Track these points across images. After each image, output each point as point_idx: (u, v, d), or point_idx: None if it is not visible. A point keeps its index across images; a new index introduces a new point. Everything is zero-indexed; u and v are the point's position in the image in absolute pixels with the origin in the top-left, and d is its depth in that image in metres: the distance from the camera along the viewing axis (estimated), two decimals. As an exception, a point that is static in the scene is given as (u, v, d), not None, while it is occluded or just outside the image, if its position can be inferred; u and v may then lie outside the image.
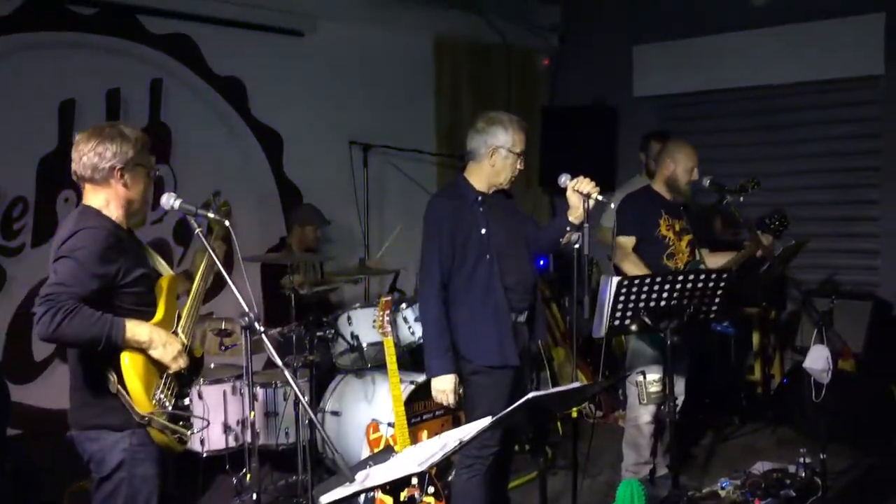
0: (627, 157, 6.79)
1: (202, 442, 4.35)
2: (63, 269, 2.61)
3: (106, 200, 2.79)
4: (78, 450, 2.83)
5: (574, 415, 3.54)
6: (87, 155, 2.75)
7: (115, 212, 2.80)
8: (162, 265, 3.01)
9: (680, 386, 4.37)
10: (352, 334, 4.47)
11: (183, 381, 2.84)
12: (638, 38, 6.98)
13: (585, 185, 3.39)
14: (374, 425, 4.26)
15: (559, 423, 5.39)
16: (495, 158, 3.64)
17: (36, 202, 4.66)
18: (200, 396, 4.34)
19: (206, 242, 2.71)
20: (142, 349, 2.69)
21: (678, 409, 4.38)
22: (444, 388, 3.58)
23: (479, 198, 3.67)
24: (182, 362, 2.76)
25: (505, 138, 3.63)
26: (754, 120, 6.63)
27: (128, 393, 2.65)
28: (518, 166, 3.68)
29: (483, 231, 3.61)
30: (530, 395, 2.68)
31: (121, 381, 2.65)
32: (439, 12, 6.56)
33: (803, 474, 4.26)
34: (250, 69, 5.57)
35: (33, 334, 4.45)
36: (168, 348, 2.72)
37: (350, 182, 5.99)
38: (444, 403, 3.62)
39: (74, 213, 2.82)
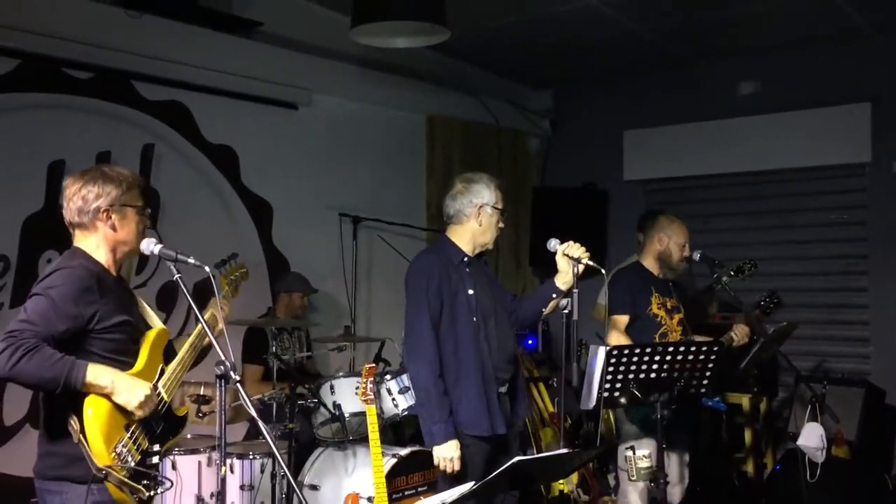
0: (618, 238, 6.83)
1: (174, 514, 4.17)
2: (33, 306, 2.54)
3: (95, 244, 2.73)
4: (39, 502, 2.68)
5: (564, 489, 3.41)
6: (72, 199, 2.72)
7: (104, 255, 2.74)
8: (152, 318, 2.92)
9: (677, 468, 4.24)
10: (334, 404, 4.34)
11: (154, 438, 2.71)
12: (628, 122, 7.10)
13: (575, 249, 3.37)
14: (354, 497, 4.09)
15: (546, 505, 5.21)
16: (482, 217, 3.62)
17: (18, 262, 4.59)
18: (174, 466, 4.19)
19: (184, 289, 2.62)
20: (107, 396, 2.57)
21: (681, 497, 4.25)
22: (449, 454, 3.41)
23: (465, 258, 3.63)
24: (147, 409, 2.63)
25: (488, 195, 3.63)
26: (743, 205, 6.69)
27: (87, 443, 2.51)
28: (500, 224, 3.66)
29: (471, 292, 3.56)
30: (515, 459, 2.59)
31: (82, 430, 2.52)
32: (433, 91, 6.68)
33: (799, 562, 4.09)
34: (243, 139, 5.61)
35: (3, 399, 4.45)
36: (133, 393, 2.59)
37: (339, 253, 5.97)
38: (449, 471, 3.44)
39: (64, 254, 2.76)
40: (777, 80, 6.41)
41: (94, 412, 2.53)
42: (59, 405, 2.58)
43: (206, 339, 2.86)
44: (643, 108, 7.00)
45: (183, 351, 2.91)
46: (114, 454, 2.53)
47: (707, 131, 6.71)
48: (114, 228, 2.73)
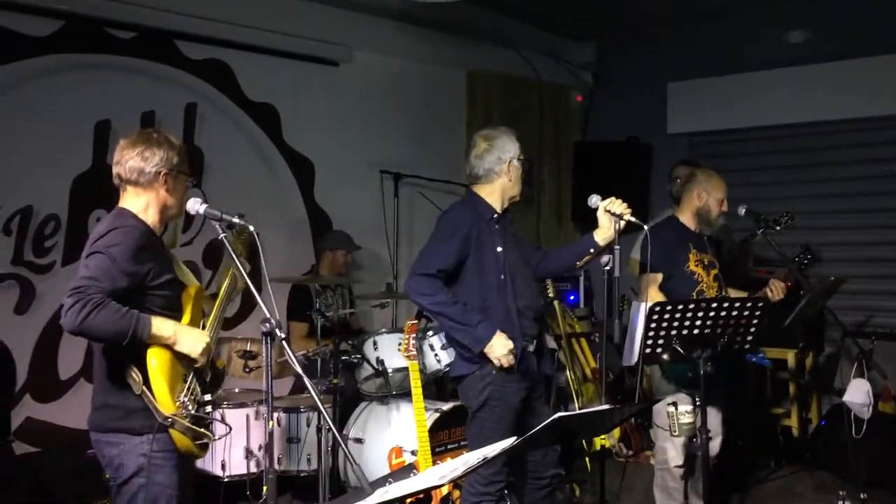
0: (660, 193, 6.72)
1: (223, 466, 4.30)
2: (95, 263, 2.63)
3: (146, 204, 2.82)
4: (97, 454, 2.80)
5: (605, 444, 3.42)
6: (134, 158, 2.79)
7: (151, 217, 2.84)
8: (189, 276, 3.02)
9: (716, 422, 4.23)
10: (377, 359, 4.40)
11: (205, 389, 2.83)
12: (672, 75, 6.96)
13: (618, 205, 3.33)
14: (398, 450, 4.17)
15: (587, 459, 5.25)
16: (511, 172, 3.61)
17: (68, 220, 4.69)
18: (223, 419, 4.30)
19: (229, 248, 2.68)
20: (168, 347, 2.68)
21: (717, 450, 4.24)
22: (503, 349, 3.36)
23: (495, 215, 3.61)
24: (207, 357, 2.76)
25: (513, 148, 3.62)
26: (789, 158, 6.55)
27: (152, 394, 2.63)
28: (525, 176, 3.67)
29: (499, 249, 3.54)
30: (557, 415, 2.59)
31: (146, 381, 2.63)
32: (473, 45, 6.61)
33: (843, 518, 4.07)
34: (285, 97, 5.63)
35: (58, 353, 4.58)
36: (196, 342, 2.73)
37: (380, 210, 5.99)
38: (506, 365, 3.41)
39: (111, 213, 2.85)
40: (825, 28, 6.22)
41: (159, 362, 2.65)
42: (117, 359, 2.69)
43: (234, 296, 2.98)
44: (687, 60, 6.86)
45: (214, 311, 3.00)
46: (178, 402, 2.66)
47: (753, 82, 6.55)
48: (168, 191, 2.83)
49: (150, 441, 2.67)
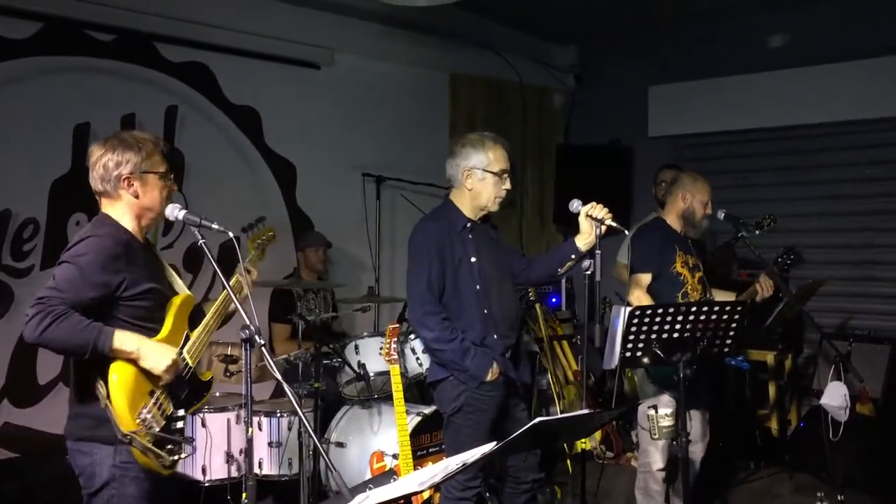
0: (643, 196, 6.75)
1: (204, 471, 4.28)
2: (62, 273, 2.57)
3: (122, 211, 2.74)
4: (71, 463, 2.74)
5: (585, 446, 3.43)
6: (95, 167, 2.72)
7: (130, 222, 2.74)
8: (179, 285, 2.94)
9: (700, 426, 4.25)
10: (359, 363, 4.40)
11: (179, 403, 2.75)
12: (654, 78, 6.99)
13: (599, 210, 3.34)
14: (379, 454, 4.17)
15: (569, 461, 5.26)
16: (472, 181, 3.55)
17: (47, 224, 4.66)
18: (204, 424, 4.29)
19: (208, 254, 2.63)
20: (133, 362, 2.60)
21: (703, 453, 4.26)
22: (492, 375, 3.47)
23: (468, 224, 3.58)
24: (173, 374, 2.66)
25: (478, 158, 3.54)
26: (771, 160, 6.60)
27: (112, 408, 2.55)
28: (503, 186, 3.56)
29: (473, 259, 3.53)
30: (536, 420, 2.60)
31: (108, 394, 2.56)
32: (455, 48, 6.61)
33: (821, 519, 4.10)
34: (266, 99, 5.62)
35: (37, 357, 4.55)
36: (159, 358, 2.62)
37: (362, 213, 5.99)
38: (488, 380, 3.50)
39: (93, 220, 2.79)
40: (806, 32, 6.27)
41: (120, 378, 2.56)
42: (87, 369, 2.62)
43: (232, 305, 2.86)
44: (669, 64, 6.89)
45: (208, 317, 2.93)
46: (138, 420, 2.57)
47: (735, 86, 6.58)
48: (136, 195, 2.72)
49: (119, 452, 2.61)
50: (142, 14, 4.93)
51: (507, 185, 3.58)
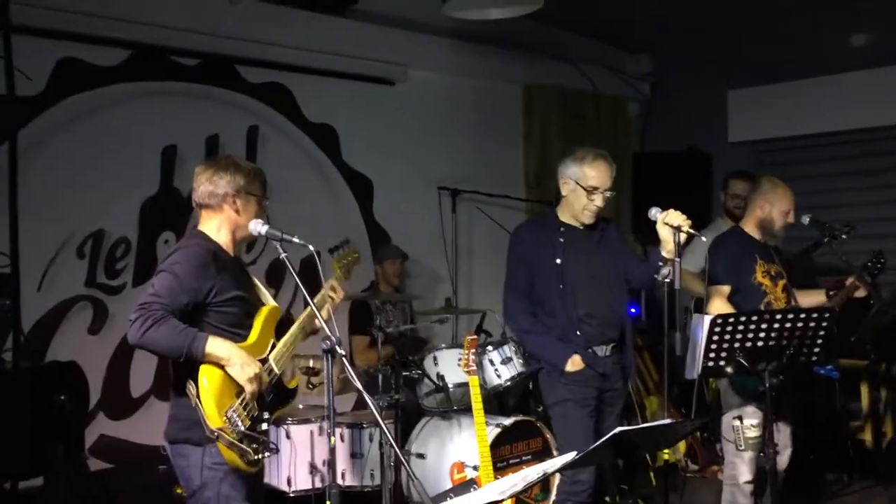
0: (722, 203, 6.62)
1: (289, 481, 4.36)
2: (160, 281, 2.76)
3: (218, 226, 2.95)
4: (173, 467, 2.89)
5: (669, 458, 3.39)
6: (204, 184, 2.93)
7: (224, 237, 2.95)
8: (266, 296, 3.12)
9: (785, 436, 4.13)
10: (438, 374, 4.43)
11: (264, 406, 2.87)
12: (732, 82, 6.87)
13: (675, 217, 3.33)
14: (459, 465, 4.18)
15: (651, 474, 5.17)
16: (565, 189, 3.76)
17: (138, 243, 4.85)
18: (288, 436, 4.37)
19: (290, 268, 2.76)
20: (220, 366, 2.75)
21: (786, 464, 4.15)
22: (573, 366, 3.67)
23: (562, 228, 3.76)
24: (255, 386, 2.80)
25: (574, 170, 3.74)
26: (853, 164, 6.40)
27: (202, 407, 2.71)
28: (593, 202, 3.70)
29: (558, 261, 3.71)
30: (617, 429, 2.58)
31: (198, 394, 2.71)
32: (528, 60, 6.62)
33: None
34: (343, 116, 5.73)
35: (130, 372, 4.73)
36: (245, 369, 2.77)
37: (439, 226, 6.04)
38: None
39: (185, 235, 2.99)
40: (888, 31, 6.06)
41: (209, 380, 2.73)
42: (182, 373, 2.78)
43: (316, 321, 2.99)
44: (747, 67, 6.75)
45: (294, 328, 3.08)
46: (225, 418, 2.72)
47: (817, 88, 6.41)
48: (237, 212, 2.94)
49: (209, 453, 2.75)
50: (223, 38, 5.09)
51: (598, 203, 3.74)
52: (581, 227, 3.79)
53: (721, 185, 5.58)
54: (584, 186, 3.70)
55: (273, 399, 2.93)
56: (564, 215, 3.81)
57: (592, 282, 3.75)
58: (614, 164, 3.82)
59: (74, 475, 4.14)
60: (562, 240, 3.75)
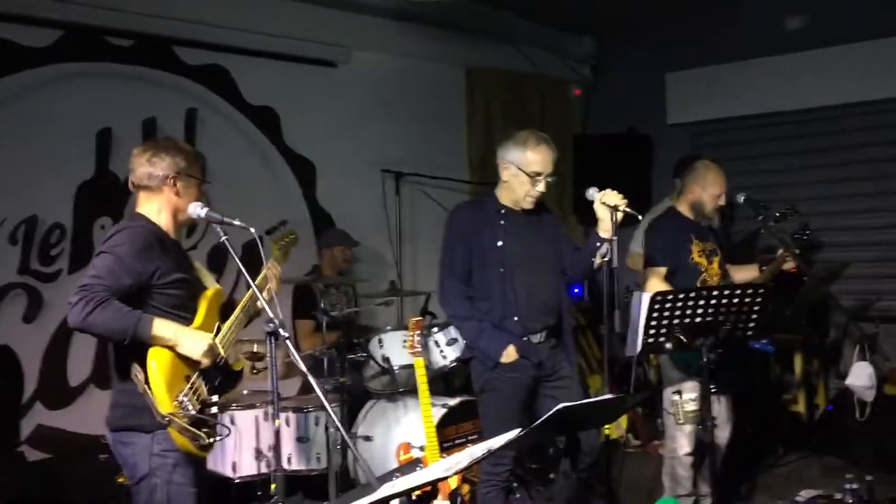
0: (662, 184, 6.72)
1: (234, 467, 4.33)
2: (101, 263, 2.71)
3: (158, 208, 2.91)
4: (115, 455, 2.86)
5: (611, 434, 3.45)
6: (143, 165, 2.88)
7: (164, 220, 2.92)
8: (208, 279, 3.09)
9: (725, 409, 4.24)
10: (383, 357, 4.44)
11: (213, 389, 2.86)
12: (671, 65, 6.96)
13: (612, 196, 3.36)
14: (405, 446, 4.21)
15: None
16: (506, 174, 3.67)
17: (73, 229, 4.73)
18: (233, 421, 4.34)
19: (231, 251, 2.74)
20: (170, 348, 2.72)
21: (728, 438, 4.25)
22: (507, 358, 3.60)
23: (503, 210, 3.68)
24: (210, 359, 2.78)
25: (516, 155, 3.63)
26: (792, 144, 6.55)
27: (151, 392, 2.67)
28: (536, 187, 3.63)
29: (500, 243, 3.63)
30: (560, 405, 2.62)
31: (146, 380, 2.68)
32: (471, 42, 6.62)
33: (850, 501, 4.09)
34: (284, 99, 5.66)
35: (68, 360, 4.63)
36: (196, 344, 2.76)
37: (382, 209, 6.03)
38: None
39: (125, 217, 2.93)
40: (824, 13, 6.21)
41: (158, 363, 2.69)
42: (126, 357, 2.74)
43: (258, 303, 3.00)
44: (685, 50, 6.85)
45: (237, 311, 3.06)
46: (176, 402, 2.69)
47: (753, 70, 6.54)
48: (177, 195, 2.91)
49: (158, 440, 2.72)
50: (159, 18, 4.98)
51: (541, 188, 3.65)
52: (521, 212, 3.72)
53: (674, 171, 5.63)
54: (526, 172, 3.61)
55: (220, 383, 2.90)
56: (504, 198, 3.72)
57: (532, 266, 3.69)
58: (556, 149, 3.75)
59: (11, 465, 4.04)
60: (503, 222, 3.67)
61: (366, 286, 5.52)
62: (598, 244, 3.53)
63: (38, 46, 4.59)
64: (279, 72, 5.62)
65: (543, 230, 3.80)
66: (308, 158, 5.82)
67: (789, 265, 4.37)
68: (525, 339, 3.66)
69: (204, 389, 2.82)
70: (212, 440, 2.80)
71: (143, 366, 2.69)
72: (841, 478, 4.26)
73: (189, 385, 2.76)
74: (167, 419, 2.66)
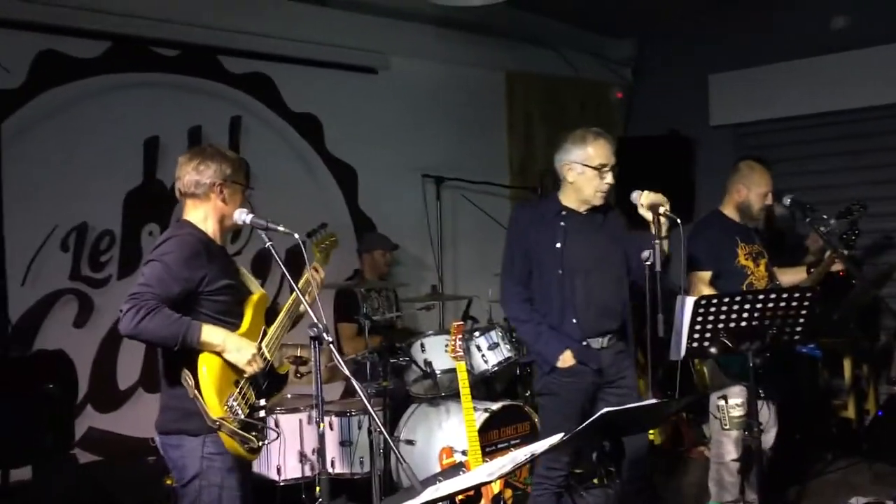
0: (705, 186, 6.67)
1: (279, 470, 4.38)
2: (150, 271, 2.76)
3: (204, 215, 2.95)
4: (164, 457, 2.91)
5: (655, 440, 3.42)
6: (189, 172, 2.93)
7: (211, 227, 2.96)
8: (253, 284, 3.13)
9: (771, 415, 4.18)
10: (425, 361, 4.45)
11: (259, 393, 2.90)
12: (713, 66, 6.90)
13: (652, 197, 3.32)
14: (448, 450, 4.21)
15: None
16: (571, 175, 3.61)
17: (122, 235, 4.83)
18: (277, 425, 4.39)
19: (276, 256, 2.77)
20: (218, 354, 2.77)
21: (772, 443, 4.19)
22: (563, 363, 3.56)
23: (563, 212, 3.64)
24: (256, 366, 2.82)
25: (578, 153, 3.59)
26: (838, 145, 6.44)
27: (202, 397, 2.72)
28: (604, 180, 3.59)
29: (557, 245, 3.58)
30: (603, 411, 2.61)
31: (196, 385, 2.72)
32: (510, 47, 6.63)
33: (902, 509, 4.01)
34: (325, 106, 5.72)
35: (117, 364, 4.72)
36: (242, 352, 2.80)
37: (423, 214, 6.05)
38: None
39: (172, 225, 2.96)
40: (869, 12, 6.10)
41: (208, 369, 2.75)
42: (176, 363, 2.80)
43: (301, 306, 3.03)
44: (728, 51, 6.78)
45: (281, 315, 3.09)
46: (226, 407, 2.74)
47: (797, 70, 6.46)
48: (224, 202, 2.95)
49: (207, 443, 2.76)
50: (204, 28, 5.07)
51: (609, 180, 3.62)
52: (583, 213, 3.65)
53: (717, 171, 5.55)
54: (592, 167, 3.56)
55: (267, 386, 2.95)
56: (568, 200, 3.66)
57: (593, 269, 3.61)
58: (612, 139, 3.71)
59: (64, 467, 4.13)
60: (563, 223, 3.61)
61: (407, 290, 5.55)
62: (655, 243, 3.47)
63: (87, 57, 4.70)
64: (320, 79, 5.69)
65: (608, 231, 3.72)
66: (349, 164, 5.87)
67: (837, 267, 4.29)
68: (584, 343, 3.60)
69: (252, 394, 2.87)
70: (261, 444, 2.84)
71: (193, 371, 2.73)
72: (891, 485, 4.18)
73: (238, 390, 2.80)
74: (218, 423, 2.71)
